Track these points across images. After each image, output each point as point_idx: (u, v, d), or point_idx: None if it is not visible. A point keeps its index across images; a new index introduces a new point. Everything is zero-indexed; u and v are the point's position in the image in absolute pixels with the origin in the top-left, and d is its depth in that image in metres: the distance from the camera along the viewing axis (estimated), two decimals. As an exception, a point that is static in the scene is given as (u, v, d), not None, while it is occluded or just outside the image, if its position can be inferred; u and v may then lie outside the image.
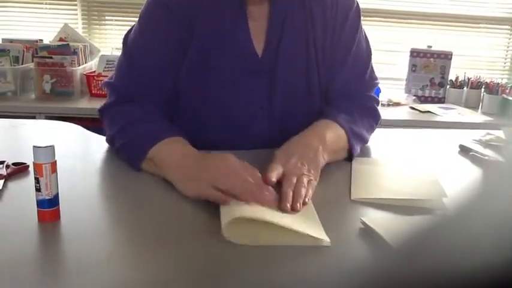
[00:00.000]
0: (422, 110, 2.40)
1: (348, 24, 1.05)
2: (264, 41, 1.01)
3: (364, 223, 0.70)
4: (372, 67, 1.12)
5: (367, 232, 0.69)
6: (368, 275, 0.30)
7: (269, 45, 1.01)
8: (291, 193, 0.76)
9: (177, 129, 0.93)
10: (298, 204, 0.74)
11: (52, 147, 0.67)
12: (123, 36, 1.05)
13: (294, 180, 0.79)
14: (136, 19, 1.02)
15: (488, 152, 1.11)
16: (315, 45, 1.03)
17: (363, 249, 0.65)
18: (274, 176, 0.79)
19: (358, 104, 1.06)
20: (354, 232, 0.70)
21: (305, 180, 0.80)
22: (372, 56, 1.12)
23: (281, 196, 0.75)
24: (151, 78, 0.99)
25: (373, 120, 1.09)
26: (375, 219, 0.73)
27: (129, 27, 1.05)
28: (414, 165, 1.01)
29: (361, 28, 1.09)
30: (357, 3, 1.08)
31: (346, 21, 1.04)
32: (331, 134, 0.95)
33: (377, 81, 1.13)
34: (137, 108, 0.97)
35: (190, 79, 1.00)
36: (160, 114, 0.98)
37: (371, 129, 1.08)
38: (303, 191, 0.77)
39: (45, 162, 0.66)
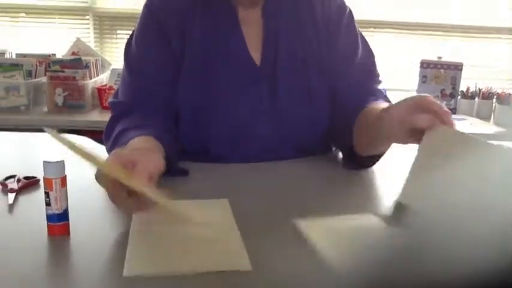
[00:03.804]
0: (433, 121, 2.38)
1: (345, 29, 1.06)
2: (260, 47, 1.01)
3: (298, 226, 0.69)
4: (376, 65, 1.13)
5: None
6: (367, 278, 0.30)
7: (266, 52, 1.01)
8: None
9: (158, 134, 0.89)
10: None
11: (62, 162, 0.67)
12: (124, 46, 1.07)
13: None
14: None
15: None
16: (311, 48, 1.04)
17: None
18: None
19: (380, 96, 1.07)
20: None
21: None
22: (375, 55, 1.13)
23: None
24: (149, 86, 1.00)
25: None
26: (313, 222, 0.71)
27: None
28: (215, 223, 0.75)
29: (359, 31, 1.11)
30: (349, 8, 1.09)
31: (340, 26, 1.05)
32: None
33: (381, 79, 1.14)
34: (131, 118, 0.97)
35: (188, 89, 1.00)
36: (159, 118, 0.97)
37: None
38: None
39: (55, 177, 0.66)
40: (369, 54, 1.11)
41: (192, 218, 0.72)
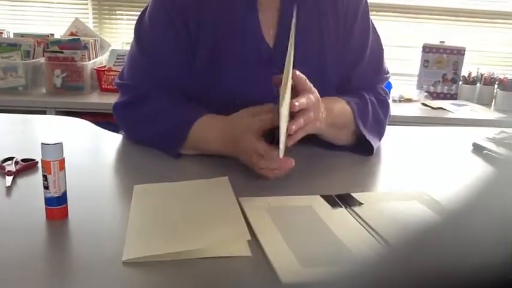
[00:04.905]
0: (434, 106, 2.37)
1: (360, 19, 1.05)
2: (275, 31, 1.01)
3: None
4: (384, 60, 1.13)
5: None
6: (367, 275, 0.30)
7: (281, 35, 1.00)
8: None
9: (199, 107, 0.96)
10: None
11: (60, 145, 0.66)
12: (134, 26, 1.04)
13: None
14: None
15: (502, 151, 1.09)
16: (328, 35, 1.03)
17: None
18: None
19: (373, 96, 1.06)
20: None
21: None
22: (384, 50, 1.12)
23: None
24: (166, 67, 1.00)
25: (386, 111, 1.08)
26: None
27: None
28: (212, 193, 0.78)
29: (372, 23, 1.10)
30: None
31: (357, 16, 1.05)
32: (337, 107, 0.97)
33: (388, 75, 1.14)
34: (155, 100, 0.98)
35: (201, 72, 1.00)
36: (178, 98, 0.99)
37: (385, 120, 1.07)
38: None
39: (53, 159, 0.65)
40: (379, 48, 1.10)
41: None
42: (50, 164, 0.65)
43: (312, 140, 1.06)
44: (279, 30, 1.00)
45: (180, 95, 1.00)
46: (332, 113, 0.93)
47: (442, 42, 2.60)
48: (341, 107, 0.98)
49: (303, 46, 1.01)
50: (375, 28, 1.10)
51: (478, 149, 1.10)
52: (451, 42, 2.61)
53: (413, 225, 0.30)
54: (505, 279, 0.25)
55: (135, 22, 1.04)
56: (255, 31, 0.99)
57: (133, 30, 1.04)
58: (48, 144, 0.65)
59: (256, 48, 1.00)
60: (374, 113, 1.03)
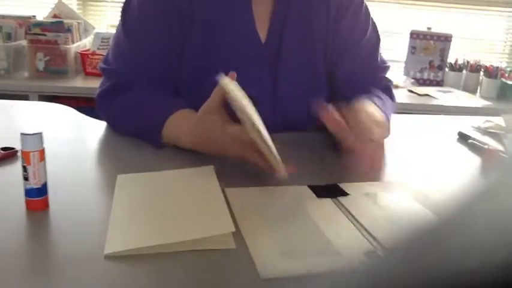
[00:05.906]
0: (421, 93, 2.38)
1: (353, 12, 1.04)
2: (267, 25, 0.99)
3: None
4: (380, 51, 1.12)
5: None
6: (366, 276, 0.29)
7: (273, 30, 0.99)
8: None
9: (176, 101, 0.93)
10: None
11: (40, 135, 0.65)
12: (120, 10, 1.00)
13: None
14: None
15: (488, 140, 1.09)
16: (319, 30, 1.01)
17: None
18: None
19: (379, 87, 1.06)
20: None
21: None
22: (381, 41, 1.11)
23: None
24: (152, 52, 0.97)
25: (393, 100, 1.09)
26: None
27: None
28: (199, 184, 0.77)
29: (369, 15, 1.08)
30: None
31: (348, 9, 1.03)
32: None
33: (388, 65, 1.13)
34: (136, 91, 0.95)
35: (191, 65, 0.98)
36: (160, 88, 0.96)
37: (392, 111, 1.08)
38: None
39: (33, 150, 0.64)
40: (376, 37, 1.09)
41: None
42: (29, 154, 0.63)
43: (301, 131, 1.06)
44: (270, 26, 0.98)
45: (165, 83, 0.98)
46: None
47: (429, 28, 2.60)
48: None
49: (294, 41, 0.99)
50: (372, 20, 1.09)
51: (463, 138, 1.10)
52: (438, 28, 2.61)
53: (411, 226, 0.29)
54: (505, 281, 0.24)
55: (120, 4, 1.01)
56: (248, 25, 0.97)
57: (118, 13, 1.02)
58: (28, 135, 0.64)
59: (247, 42, 0.98)
60: (390, 109, 1.04)
